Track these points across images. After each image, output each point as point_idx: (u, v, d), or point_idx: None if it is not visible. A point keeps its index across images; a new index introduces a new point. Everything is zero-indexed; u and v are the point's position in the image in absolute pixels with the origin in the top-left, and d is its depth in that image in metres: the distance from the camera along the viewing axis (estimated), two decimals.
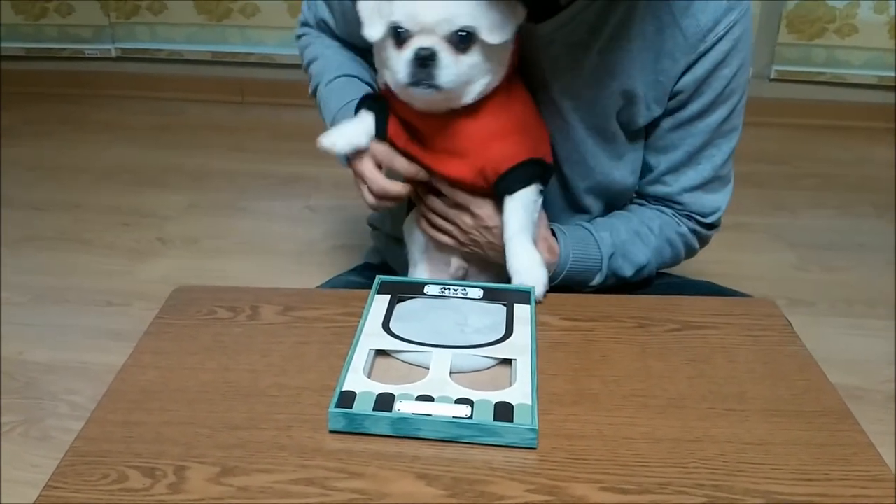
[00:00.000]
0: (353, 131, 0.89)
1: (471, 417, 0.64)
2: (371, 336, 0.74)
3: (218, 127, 2.74)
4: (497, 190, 0.86)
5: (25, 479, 1.28)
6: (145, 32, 2.88)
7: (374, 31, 0.82)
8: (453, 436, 0.64)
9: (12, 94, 2.89)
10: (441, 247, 0.95)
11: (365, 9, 0.83)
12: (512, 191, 0.85)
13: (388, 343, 0.74)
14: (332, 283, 1.09)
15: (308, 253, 1.97)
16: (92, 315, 1.73)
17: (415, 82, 0.79)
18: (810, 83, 2.70)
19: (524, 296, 0.81)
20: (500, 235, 0.87)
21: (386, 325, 0.76)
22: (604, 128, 0.94)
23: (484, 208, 0.88)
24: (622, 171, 0.98)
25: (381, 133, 0.88)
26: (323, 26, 1.08)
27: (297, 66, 1.10)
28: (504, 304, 0.80)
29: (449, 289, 0.82)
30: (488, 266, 0.94)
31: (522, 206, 0.86)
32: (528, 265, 0.85)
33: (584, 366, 0.74)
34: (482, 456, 0.63)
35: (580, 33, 0.87)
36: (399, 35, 0.80)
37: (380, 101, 0.89)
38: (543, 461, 0.63)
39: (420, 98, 0.82)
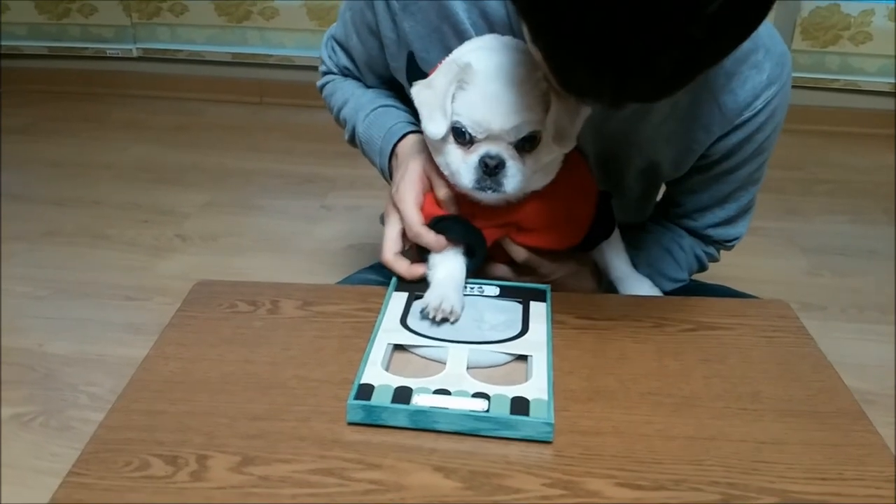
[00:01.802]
0: (454, 287, 0.81)
1: (488, 411, 0.65)
2: (389, 331, 0.75)
3: (236, 127, 2.76)
4: (587, 245, 0.89)
5: (45, 469, 1.30)
6: (166, 33, 2.91)
7: (436, 127, 0.78)
8: (470, 429, 0.65)
9: (35, 92, 2.93)
10: None
11: (423, 104, 0.80)
12: (606, 238, 0.89)
13: (406, 338, 0.75)
14: (348, 281, 1.10)
15: (323, 251, 1.98)
16: (111, 309, 1.75)
17: (480, 187, 0.79)
18: (824, 90, 2.70)
19: (540, 294, 0.82)
20: (561, 283, 0.90)
21: (403, 321, 0.77)
22: (617, 182, 0.96)
23: (547, 267, 0.89)
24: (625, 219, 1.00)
25: (481, 257, 0.85)
26: (347, 73, 1.06)
27: (315, 69, 1.11)
28: (520, 302, 0.81)
29: (465, 286, 0.83)
30: None
31: (616, 241, 0.90)
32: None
33: (600, 363, 0.74)
34: (499, 450, 0.64)
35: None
36: (463, 135, 0.78)
37: (467, 227, 0.83)
38: (559, 456, 0.63)
39: (483, 198, 0.81)
